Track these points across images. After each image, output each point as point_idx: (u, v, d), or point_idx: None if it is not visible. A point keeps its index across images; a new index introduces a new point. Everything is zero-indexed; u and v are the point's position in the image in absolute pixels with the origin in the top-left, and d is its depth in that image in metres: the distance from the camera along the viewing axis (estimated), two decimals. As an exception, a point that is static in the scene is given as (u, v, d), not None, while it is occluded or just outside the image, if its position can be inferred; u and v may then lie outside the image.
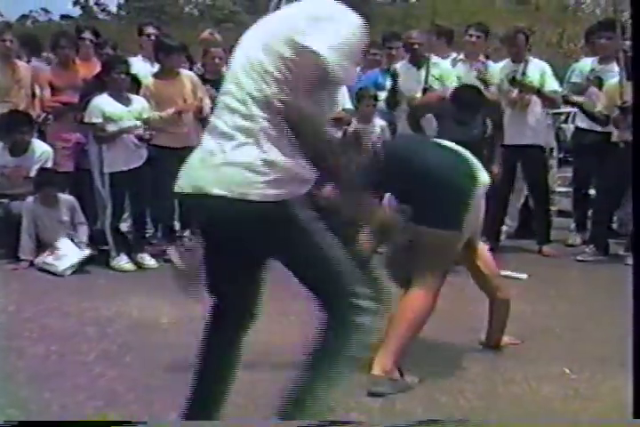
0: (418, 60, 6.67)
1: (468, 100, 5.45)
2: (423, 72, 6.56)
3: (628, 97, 5.87)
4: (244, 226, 2.33)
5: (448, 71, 6.67)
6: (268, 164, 2.28)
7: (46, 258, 5.74)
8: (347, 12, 2.32)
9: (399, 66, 6.80)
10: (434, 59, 6.61)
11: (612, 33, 6.58)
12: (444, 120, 5.51)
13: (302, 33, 2.26)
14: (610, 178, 6.22)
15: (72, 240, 5.91)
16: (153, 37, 6.77)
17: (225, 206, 2.32)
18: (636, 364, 2.76)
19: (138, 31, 7.01)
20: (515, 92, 6.44)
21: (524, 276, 5.63)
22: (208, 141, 2.45)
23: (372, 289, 2.41)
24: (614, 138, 6.17)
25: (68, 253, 5.73)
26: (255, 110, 2.31)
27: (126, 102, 5.94)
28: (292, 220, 2.33)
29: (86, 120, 5.95)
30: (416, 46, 6.66)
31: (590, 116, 6.36)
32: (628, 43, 6.14)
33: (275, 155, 2.29)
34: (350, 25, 2.30)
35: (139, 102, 5.99)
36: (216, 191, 2.32)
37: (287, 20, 2.39)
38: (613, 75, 6.43)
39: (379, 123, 6.64)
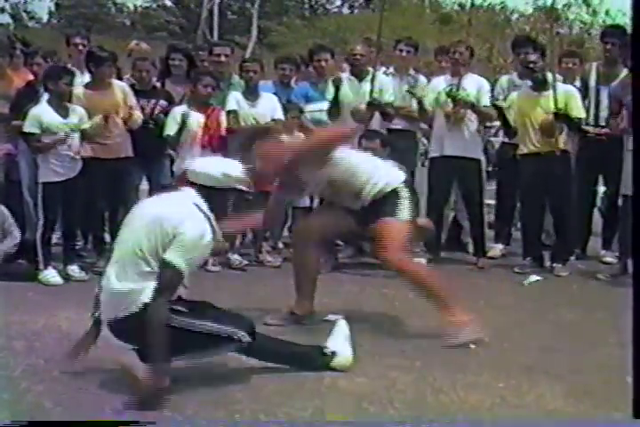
0: (359, 73, 6.76)
1: None
2: (364, 84, 6.65)
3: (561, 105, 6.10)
4: None
5: (387, 84, 6.75)
6: None
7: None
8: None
9: (342, 77, 6.86)
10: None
11: (530, 49, 6.78)
12: None
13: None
14: (531, 188, 6.35)
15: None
16: (81, 47, 6.72)
17: None
18: (635, 365, 2.82)
19: (66, 41, 6.94)
20: (450, 105, 6.54)
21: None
22: None
23: None
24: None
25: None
26: None
27: (64, 113, 5.83)
28: None
29: (24, 130, 5.84)
30: (358, 58, 6.75)
31: (507, 128, 6.52)
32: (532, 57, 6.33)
33: None
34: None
35: (77, 112, 5.89)
36: None
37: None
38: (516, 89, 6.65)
39: (301, 136, 6.70)
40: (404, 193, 4.55)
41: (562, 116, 6.13)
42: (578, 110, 6.30)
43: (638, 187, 3.68)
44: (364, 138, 6.08)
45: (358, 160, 4.66)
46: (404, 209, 4.51)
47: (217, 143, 6.26)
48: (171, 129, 6.24)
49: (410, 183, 4.71)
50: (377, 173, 4.59)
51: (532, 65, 6.29)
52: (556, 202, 6.38)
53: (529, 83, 6.44)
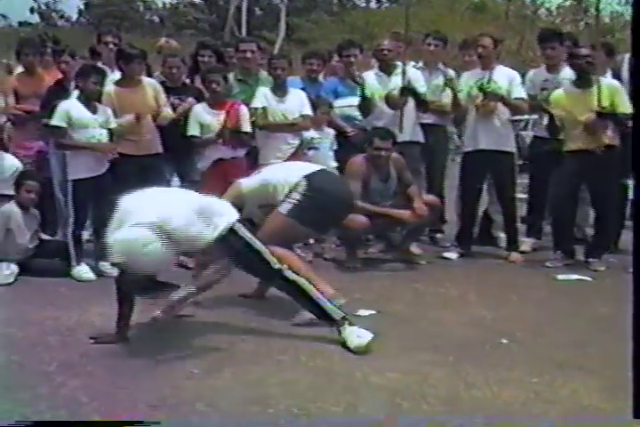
0: (388, 67, 6.77)
1: (379, 163, 6.21)
2: (393, 78, 6.65)
3: (606, 102, 5.97)
4: None
5: (417, 76, 6.76)
6: None
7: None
8: None
9: (370, 74, 6.87)
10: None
11: (556, 43, 6.71)
12: (370, 179, 6.22)
13: None
14: (570, 183, 6.28)
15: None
16: (111, 45, 6.74)
17: None
18: (635, 364, 2.79)
19: (96, 39, 6.97)
20: (480, 99, 6.50)
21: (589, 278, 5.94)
22: None
23: None
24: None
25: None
26: None
27: (93, 110, 5.89)
28: None
29: (52, 123, 5.86)
30: (385, 53, 6.75)
31: (553, 125, 6.42)
32: (583, 51, 6.25)
33: None
34: None
35: (104, 111, 5.93)
36: None
37: None
38: (558, 84, 6.55)
39: (330, 131, 6.71)
40: (301, 187, 4.78)
41: (606, 115, 5.99)
42: (624, 106, 6.07)
43: (638, 187, 3.64)
44: (377, 137, 6.11)
45: (258, 178, 5.04)
46: (289, 202, 4.75)
47: (237, 139, 6.25)
48: (194, 129, 6.23)
49: (320, 176, 4.92)
50: (275, 177, 4.93)
51: (583, 60, 6.11)
52: (600, 197, 6.28)
53: (567, 78, 6.37)
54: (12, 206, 5.86)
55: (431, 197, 6.42)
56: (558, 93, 6.33)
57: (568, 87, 6.31)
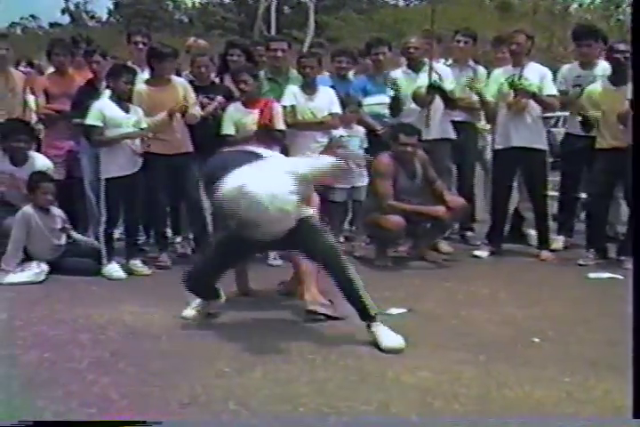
0: (416, 65, 6.74)
1: (405, 160, 6.22)
2: (421, 75, 6.64)
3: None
4: None
5: (446, 73, 6.76)
6: None
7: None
8: None
9: (399, 72, 6.85)
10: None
11: (592, 40, 6.64)
12: (398, 177, 6.21)
13: None
14: (603, 181, 6.20)
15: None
16: (141, 45, 6.76)
17: None
18: (635, 364, 2.75)
19: (127, 39, 7.00)
20: (511, 95, 6.45)
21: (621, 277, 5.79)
22: None
23: None
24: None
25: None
26: None
27: (125, 110, 5.91)
28: None
29: (87, 122, 5.88)
30: (413, 51, 6.73)
31: (586, 121, 6.33)
32: (622, 46, 6.16)
33: None
34: None
35: (135, 112, 5.96)
36: None
37: None
38: (592, 80, 6.48)
39: (360, 130, 6.69)
40: None
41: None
42: None
43: (638, 187, 3.59)
44: (402, 133, 6.10)
45: None
46: None
47: (271, 137, 6.23)
48: (228, 129, 6.23)
49: None
50: None
51: (621, 54, 6.01)
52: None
53: (600, 74, 6.29)
54: (29, 209, 5.83)
55: (456, 197, 6.39)
56: (594, 88, 6.27)
57: (605, 83, 6.23)
